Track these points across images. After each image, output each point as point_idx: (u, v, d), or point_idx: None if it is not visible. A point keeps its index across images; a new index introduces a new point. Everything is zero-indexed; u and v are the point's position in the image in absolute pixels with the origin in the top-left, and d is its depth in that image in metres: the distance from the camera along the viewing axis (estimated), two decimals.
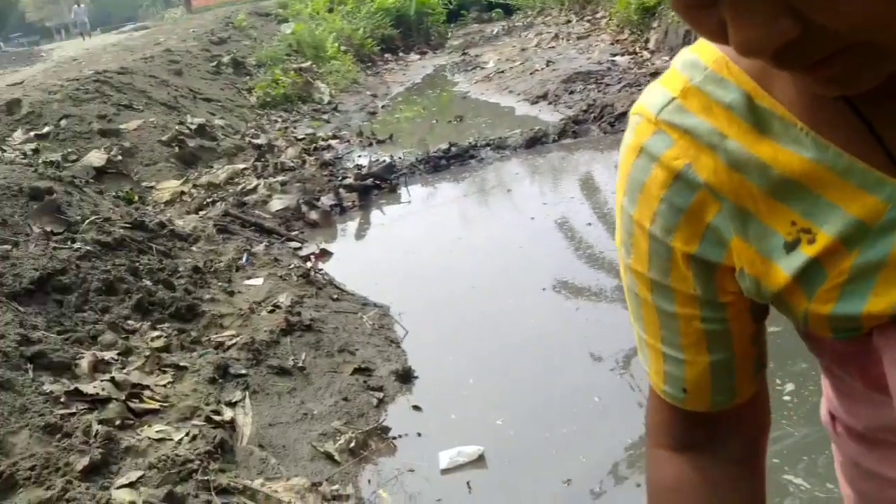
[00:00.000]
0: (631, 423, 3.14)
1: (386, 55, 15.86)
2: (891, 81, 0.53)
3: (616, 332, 3.95)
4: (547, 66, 11.21)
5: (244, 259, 4.80)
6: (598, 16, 14.37)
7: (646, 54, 10.56)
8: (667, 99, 0.63)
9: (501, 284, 4.90)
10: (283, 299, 4.19)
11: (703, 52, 0.63)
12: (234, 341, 3.70)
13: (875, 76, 0.50)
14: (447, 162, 7.68)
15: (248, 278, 4.56)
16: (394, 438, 3.26)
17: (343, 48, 13.63)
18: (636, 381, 3.53)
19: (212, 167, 7.30)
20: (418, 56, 16.39)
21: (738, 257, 0.62)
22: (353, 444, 3.12)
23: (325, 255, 5.63)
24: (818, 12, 0.46)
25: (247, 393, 3.36)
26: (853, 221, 0.57)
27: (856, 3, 0.45)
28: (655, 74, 9.09)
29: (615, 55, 10.96)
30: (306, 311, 4.16)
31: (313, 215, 6.37)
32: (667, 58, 9.78)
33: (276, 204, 6.42)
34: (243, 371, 3.49)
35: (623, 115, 8.00)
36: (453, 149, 7.83)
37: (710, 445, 0.76)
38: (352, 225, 6.50)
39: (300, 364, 3.64)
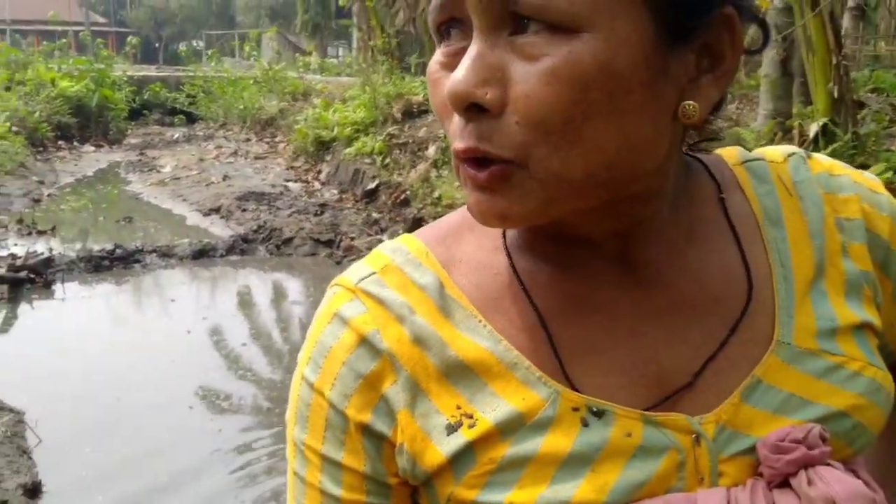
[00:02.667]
0: None
1: (60, 142, 15.09)
2: (566, 282, 0.63)
3: (256, 455, 4.22)
4: (223, 180, 11.41)
5: None
6: (276, 139, 14.72)
7: (317, 185, 11.05)
8: (368, 272, 0.66)
9: (148, 398, 4.90)
10: None
11: (408, 242, 0.68)
12: None
13: (521, 212, 0.55)
14: (110, 263, 7.55)
15: None
16: None
17: (14, 129, 12.88)
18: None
19: None
20: (94, 148, 15.76)
21: (402, 431, 0.62)
22: None
23: None
24: (519, 100, 0.52)
25: None
26: (512, 413, 0.59)
27: (542, 106, 0.51)
28: (324, 205, 9.73)
29: (289, 181, 11.35)
30: None
31: None
32: (336, 191, 10.36)
33: None
34: None
35: (290, 241, 8.38)
36: (118, 250, 7.72)
37: None
38: None
39: None
